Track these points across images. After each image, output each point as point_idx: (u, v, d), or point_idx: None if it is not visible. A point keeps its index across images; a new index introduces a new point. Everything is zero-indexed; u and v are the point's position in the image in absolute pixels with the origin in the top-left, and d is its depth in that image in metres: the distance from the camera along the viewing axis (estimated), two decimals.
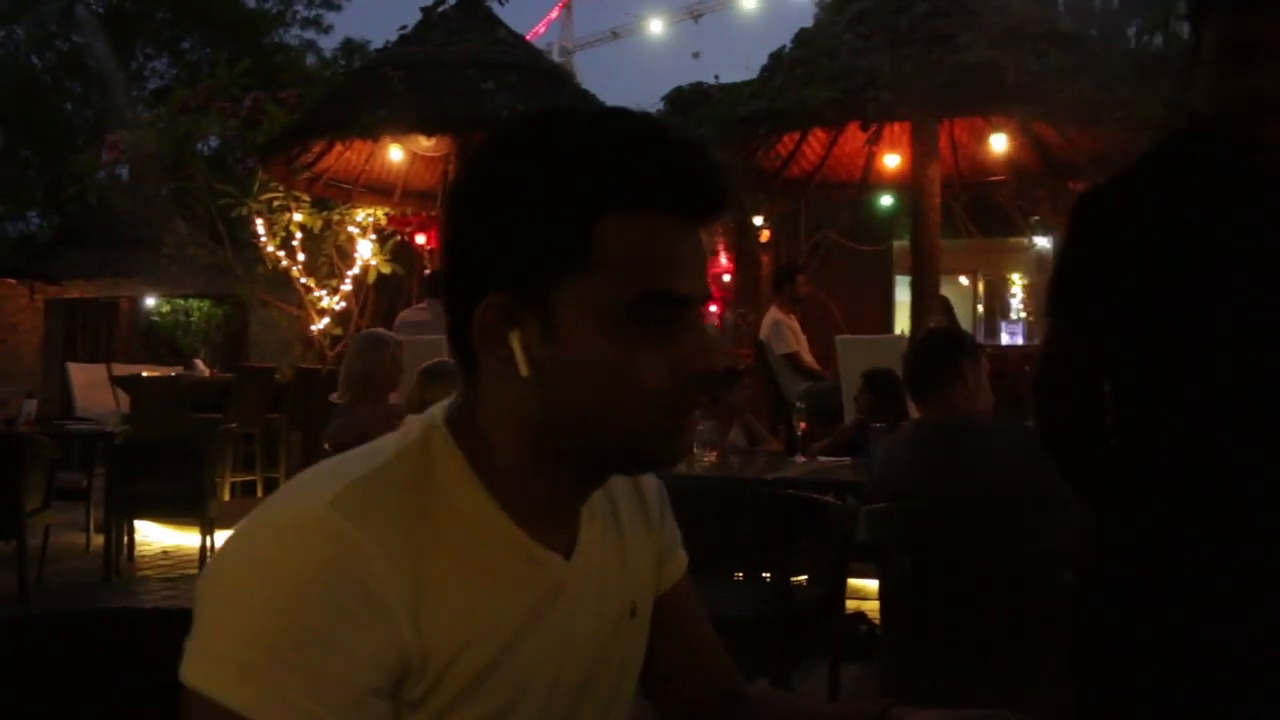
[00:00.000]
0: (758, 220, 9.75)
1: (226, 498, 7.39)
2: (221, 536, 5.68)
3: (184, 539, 6.27)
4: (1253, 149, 1.48)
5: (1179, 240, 1.49)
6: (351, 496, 0.74)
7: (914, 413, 3.10)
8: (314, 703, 0.69)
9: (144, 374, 9.05)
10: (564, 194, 0.76)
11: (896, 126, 7.83)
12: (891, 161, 8.37)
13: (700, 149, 0.79)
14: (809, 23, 7.87)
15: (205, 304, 15.13)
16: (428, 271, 8.54)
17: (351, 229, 9.57)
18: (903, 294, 9.70)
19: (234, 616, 0.71)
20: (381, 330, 4.56)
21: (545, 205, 0.76)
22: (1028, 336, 11.94)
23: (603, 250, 0.75)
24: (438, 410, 0.84)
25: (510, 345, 0.77)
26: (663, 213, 0.77)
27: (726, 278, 10.92)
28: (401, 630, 0.73)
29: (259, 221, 9.32)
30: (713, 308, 11.01)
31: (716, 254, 10.75)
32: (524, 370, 0.77)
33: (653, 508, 0.97)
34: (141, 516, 5.80)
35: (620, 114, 0.81)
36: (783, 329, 6.61)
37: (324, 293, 9.64)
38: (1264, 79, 1.41)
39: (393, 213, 9.67)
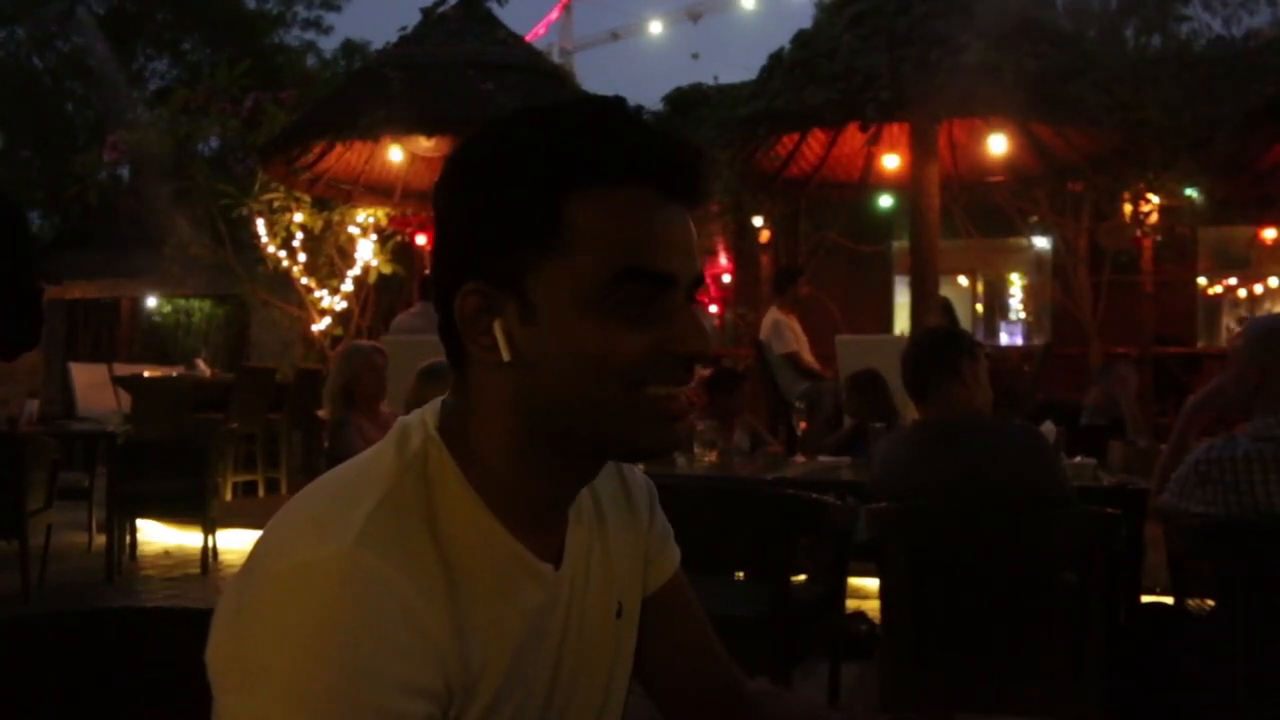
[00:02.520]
0: (757, 220, 9.75)
1: (228, 498, 7.40)
2: (223, 536, 5.69)
3: (186, 539, 6.27)
4: None
5: None
6: (374, 531, 0.72)
7: (904, 409, 3.11)
8: None
9: (145, 374, 9.05)
10: (530, 176, 0.76)
11: (895, 127, 7.83)
12: (891, 162, 8.37)
13: (669, 130, 0.80)
14: (808, 23, 7.87)
15: (206, 304, 15.12)
16: (427, 272, 8.54)
17: (352, 229, 9.57)
18: (902, 294, 9.69)
19: (289, 677, 0.67)
20: (359, 341, 4.58)
21: (514, 189, 0.77)
22: (1027, 336, 11.97)
23: (575, 231, 0.75)
24: (429, 414, 0.83)
25: (493, 332, 0.77)
26: (636, 189, 0.76)
27: (726, 278, 10.92)
28: (446, 658, 0.73)
29: (260, 222, 9.32)
30: (713, 308, 11.01)
31: (716, 254, 10.75)
32: (505, 355, 0.77)
33: (640, 506, 0.97)
34: (143, 516, 5.80)
35: (588, 97, 0.83)
36: (783, 329, 6.60)
37: (325, 293, 9.65)
38: None
39: (393, 213, 9.67)
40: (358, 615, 0.69)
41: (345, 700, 0.66)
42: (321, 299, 9.63)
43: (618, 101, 0.80)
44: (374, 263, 9.52)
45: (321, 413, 4.08)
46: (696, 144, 0.81)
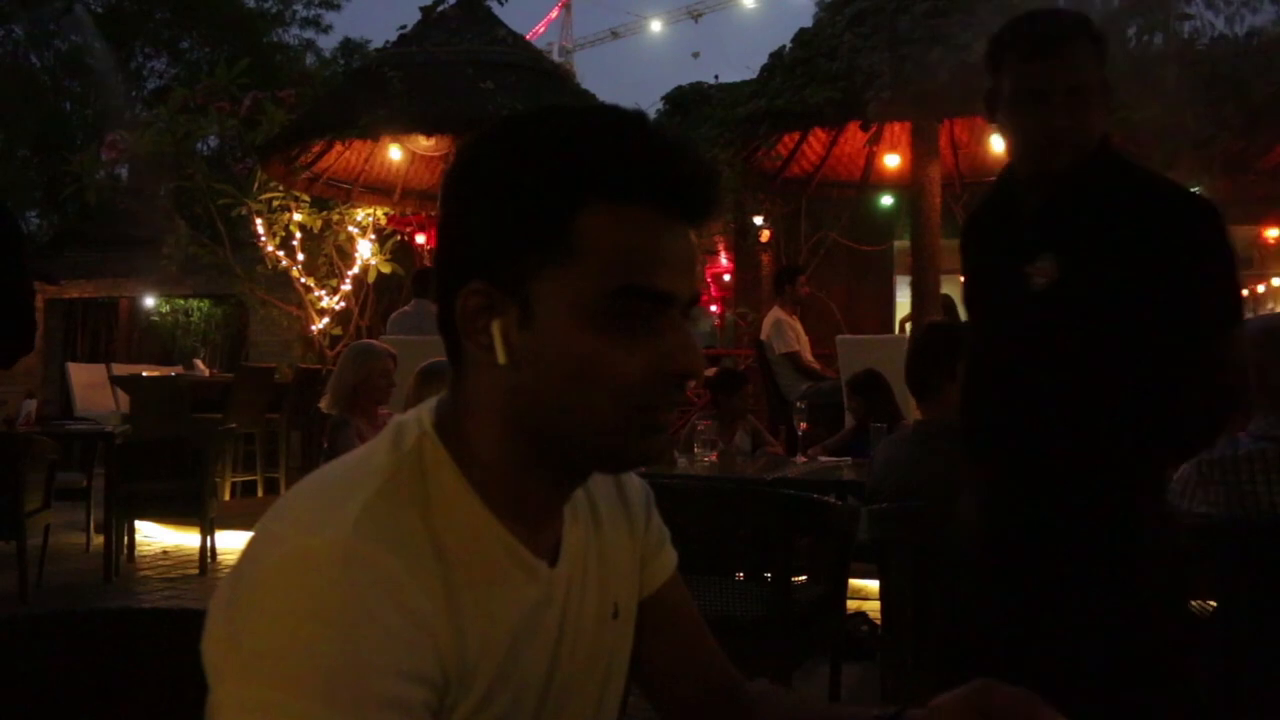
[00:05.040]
0: (758, 220, 9.75)
1: (227, 498, 7.39)
2: (222, 537, 5.68)
3: (184, 539, 6.27)
4: (1031, 181, 1.77)
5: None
6: (371, 520, 0.73)
7: (907, 409, 3.10)
8: None
9: (144, 374, 9.04)
10: (545, 182, 0.76)
11: (896, 126, 7.83)
12: (891, 161, 8.37)
13: (688, 146, 0.79)
14: (809, 23, 7.87)
15: (205, 304, 15.12)
16: (418, 267, 8.54)
17: (351, 229, 9.57)
18: (903, 294, 9.69)
19: (287, 663, 0.67)
20: (373, 341, 4.53)
21: (526, 193, 0.76)
22: None
23: (583, 242, 0.75)
24: (425, 412, 0.83)
25: (491, 333, 0.77)
26: (647, 208, 0.76)
27: (726, 278, 10.93)
28: (442, 645, 0.73)
29: (258, 221, 9.31)
30: (713, 308, 11.02)
31: (716, 254, 10.76)
32: (501, 358, 0.77)
33: (636, 509, 0.97)
34: (141, 516, 5.80)
35: (610, 109, 0.81)
36: (784, 329, 6.60)
37: (324, 292, 9.64)
38: (1057, 118, 1.67)
39: (392, 212, 9.67)
40: (354, 601, 0.69)
41: (344, 685, 0.66)
42: (321, 298, 9.63)
43: (639, 116, 0.80)
44: (373, 262, 9.52)
45: (322, 403, 4.03)
46: (712, 163, 0.81)
